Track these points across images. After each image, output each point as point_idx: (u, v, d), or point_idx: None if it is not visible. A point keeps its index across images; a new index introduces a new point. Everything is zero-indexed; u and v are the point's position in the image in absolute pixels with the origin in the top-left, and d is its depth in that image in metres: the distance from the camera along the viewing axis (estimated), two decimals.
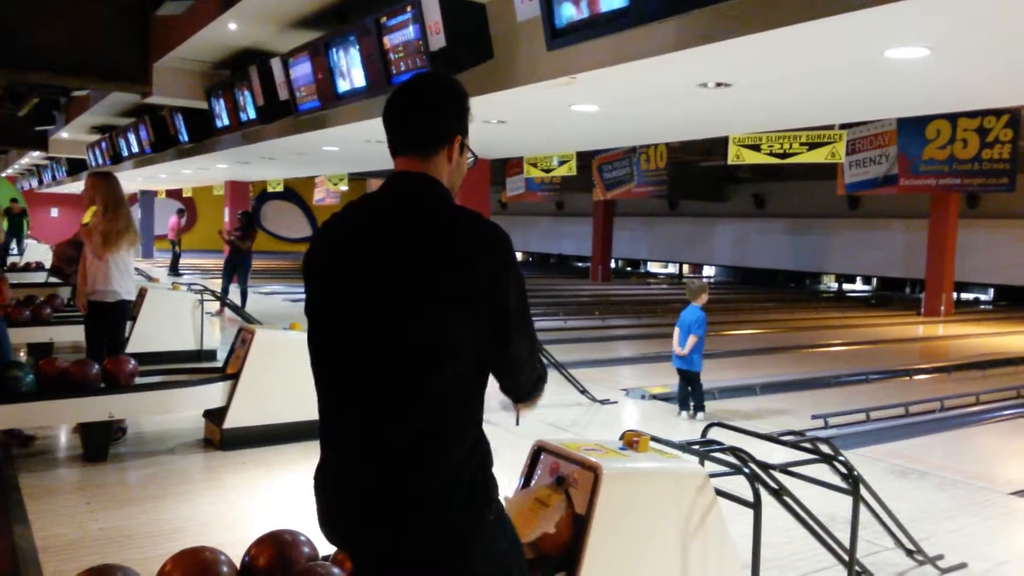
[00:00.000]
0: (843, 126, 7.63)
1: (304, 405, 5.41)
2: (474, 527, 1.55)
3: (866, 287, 22.81)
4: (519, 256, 33.28)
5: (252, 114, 9.07)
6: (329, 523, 1.62)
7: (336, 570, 2.03)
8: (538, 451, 2.88)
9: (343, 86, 7.07)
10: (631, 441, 2.87)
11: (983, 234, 18.01)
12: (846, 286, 23.11)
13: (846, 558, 2.99)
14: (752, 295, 20.12)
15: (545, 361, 7.50)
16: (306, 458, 5.10)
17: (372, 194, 1.70)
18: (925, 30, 3.76)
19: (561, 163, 11.14)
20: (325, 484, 1.63)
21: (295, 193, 31.37)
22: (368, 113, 7.61)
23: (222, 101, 9.83)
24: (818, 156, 6.83)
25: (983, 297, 20.30)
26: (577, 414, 6.58)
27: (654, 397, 7.26)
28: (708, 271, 27.02)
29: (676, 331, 6.40)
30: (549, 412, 6.51)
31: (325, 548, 2.42)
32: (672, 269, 28.20)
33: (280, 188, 19.01)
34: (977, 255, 18.01)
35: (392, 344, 1.53)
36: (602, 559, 2.50)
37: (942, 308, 15.55)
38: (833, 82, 5.02)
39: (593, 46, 4.74)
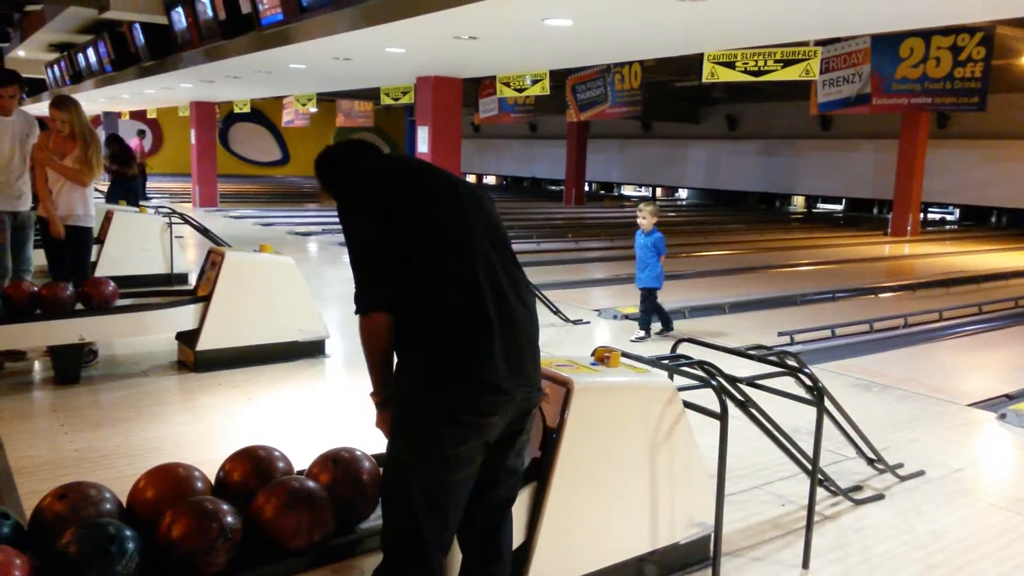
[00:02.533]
0: (818, 43, 7.54)
1: (276, 327, 5.46)
2: None
3: (836, 207, 23.04)
4: (491, 180, 33.06)
5: (214, 28, 8.74)
6: (504, 371, 1.95)
7: (311, 483, 2.06)
8: None
9: None
10: (602, 357, 2.91)
11: (951, 154, 18.16)
12: (815, 207, 23.33)
13: (809, 467, 3.10)
14: (723, 216, 20.23)
15: None
16: (279, 379, 5.13)
17: None
18: None
19: (534, 82, 10.92)
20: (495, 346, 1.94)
21: (263, 115, 30.60)
22: (335, 28, 7.36)
23: (182, 14, 9.45)
24: (792, 73, 6.76)
25: (949, 217, 20.61)
26: (551, 334, 6.64)
27: (626, 317, 7.34)
28: (681, 193, 27.07)
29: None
30: None
31: (300, 463, 2.45)
32: (646, 192, 28.17)
33: (247, 110, 18.49)
34: (945, 176, 18.20)
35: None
36: (572, 471, 2.56)
37: (908, 228, 15.79)
38: None
39: None
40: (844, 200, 22.44)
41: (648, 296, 6.41)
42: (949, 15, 6.00)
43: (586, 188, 25.09)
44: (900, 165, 15.85)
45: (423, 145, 10.57)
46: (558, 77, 13.92)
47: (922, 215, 17.11)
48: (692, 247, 13.31)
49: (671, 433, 2.84)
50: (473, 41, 7.40)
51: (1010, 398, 5.12)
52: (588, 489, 2.62)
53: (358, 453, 2.24)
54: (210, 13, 8.91)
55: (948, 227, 19.30)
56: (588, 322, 7.16)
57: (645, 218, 6.29)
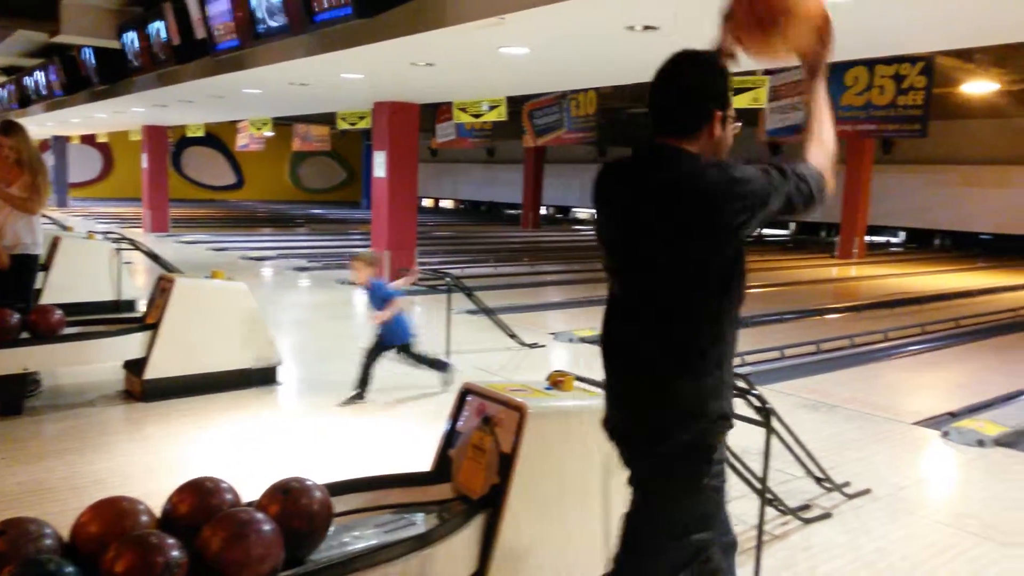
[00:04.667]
0: (767, 72, 7.76)
1: (227, 354, 5.38)
2: None
3: (784, 231, 23.59)
4: (449, 204, 33.14)
5: (167, 54, 8.67)
6: None
7: (259, 514, 2.03)
8: (465, 393, 2.92)
9: (263, 24, 6.82)
10: (556, 381, 2.94)
11: (895, 179, 18.75)
12: (766, 231, 23.82)
13: (759, 486, 3.15)
14: None
15: (474, 308, 7.46)
16: (229, 408, 5.05)
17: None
18: None
19: (491, 108, 11.03)
20: None
21: (217, 139, 30.26)
22: (291, 53, 7.36)
23: (135, 39, 9.35)
24: (741, 101, 6.94)
25: (894, 240, 21.23)
26: (506, 358, 6.66)
27: (582, 340, 7.40)
28: None
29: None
30: (478, 357, 6.58)
31: (250, 494, 2.42)
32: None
33: (201, 134, 18.29)
34: (889, 200, 18.77)
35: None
36: (526, 497, 2.57)
37: (855, 250, 16.23)
38: None
39: None
40: (793, 224, 22.98)
41: (404, 351, 5.40)
42: (891, 46, 6.23)
43: (543, 212, 25.29)
44: (846, 190, 16.32)
45: (380, 170, 10.57)
46: (515, 103, 14.06)
47: (868, 238, 17.62)
48: None
49: None
50: (430, 68, 7.46)
51: (953, 416, 5.27)
52: (542, 514, 2.63)
53: (309, 483, 2.22)
54: (164, 38, 8.84)
55: (893, 249, 19.87)
56: (544, 345, 7.19)
57: (359, 271, 5.35)
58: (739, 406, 3.30)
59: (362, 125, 12.33)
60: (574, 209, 29.26)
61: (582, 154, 25.70)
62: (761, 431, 3.11)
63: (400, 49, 6.51)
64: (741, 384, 3.43)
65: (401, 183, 10.57)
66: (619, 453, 2.05)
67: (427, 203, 33.31)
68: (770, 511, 3.57)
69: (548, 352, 7.00)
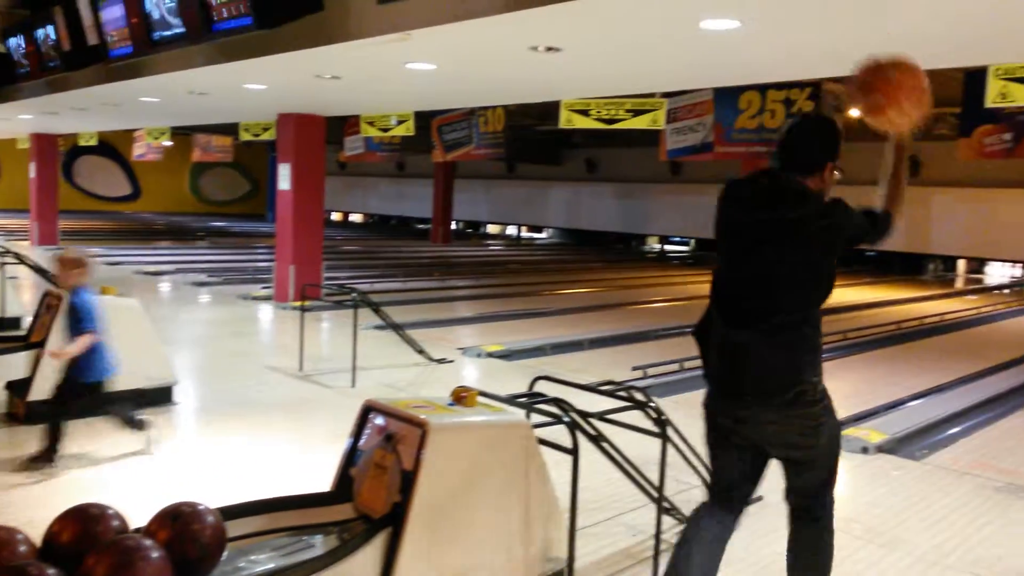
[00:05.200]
0: (665, 95, 8.05)
1: (118, 374, 5.13)
2: None
3: (684, 248, 24.44)
4: (358, 218, 32.74)
5: (57, 59, 8.27)
6: None
7: (147, 541, 1.96)
8: (367, 410, 2.90)
9: (159, 32, 6.60)
10: (459, 396, 2.96)
11: None
12: (667, 247, 24.65)
13: (656, 495, 3.25)
14: (584, 256, 20.95)
15: (382, 323, 7.33)
16: (116, 431, 4.82)
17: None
18: (737, 3, 4.02)
19: (399, 123, 10.99)
20: None
21: (112, 148, 28.95)
22: (190, 62, 7.14)
23: (22, 42, 8.88)
24: (641, 122, 7.18)
25: None
26: (414, 374, 6.63)
27: (490, 355, 7.44)
28: (544, 233, 27.86)
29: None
30: (385, 373, 6.53)
31: (138, 521, 2.33)
32: (511, 231, 28.78)
33: (94, 142, 17.45)
34: None
35: None
36: (429, 514, 2.57)
37: None
38: (653, 50, 5.28)
39: (425, 2, 4.71)
40: (694, 240, 23.85)
41: (94, 392, 4.26)
42: (782, 72, 6.57)
43: (454, 227, 25.33)
44: None
45: (285, 182, 10.36)
46: (424, 117, 14.04)
47: None
48: (554, 285, 13.69)
49: (527, 470, 2.91)
50: (336, 81, 7.39)
51: (841, 424, 5.55)
52: (446, 531, 2.64)
53: (201, 507, 2.16)
54: (53, 42, 8.43)
55: None
56: (452, 361, 7.19)
57: (62, 275, 4.31)
58: (637, 418, 3.41)
59: (266, 136, 12.06)
60: (484, 224, 29.46)
61: (492, 170, 25.92)
62: (659, 441, 3.21)
63: (304, 61, 6.43)
64: (639, 396, 3.54)
65: (307, 196, 10.39)
66: None
67: (336, 217, 32.79)
68: (669, 520, 3.68)
69: (457, 367, 7.01)
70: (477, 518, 2.74)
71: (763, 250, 2.55)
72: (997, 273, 18.75)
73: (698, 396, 6.42)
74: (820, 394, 2.67)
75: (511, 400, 3.11)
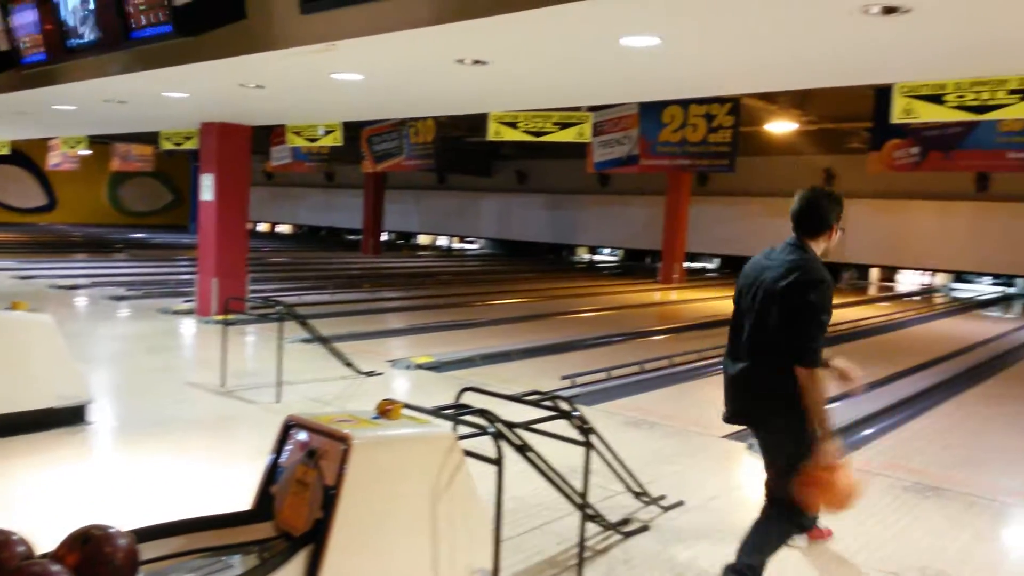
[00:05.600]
0: (592, 109, 8.20)
1: (27, 392, 4.94)
2: None
3: (612, 258, 24.86)
4: (287, 229, 32.17)
5: None
6: None
7: (55, 566, 1.90)
8: (288, 426, 2.86)
9: (74, 39, 6.38)
10: (384, 410, 2.94)
11: (711, 210, 20.29)
12: (596, 257, 25.04)
13: (580, 503, 3.30)
14: (515, 266, 21.08)
15: (309, 336, 7.26)
16: (30, 451, 4.63)
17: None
18: (656, 21, 4.14)
19: (327, 133, 10.86)
20: None
21: (26, 157, 27.70)
22: (107, 70, 6.91)
23: None
24: (568, 135, 7.29)
25: (710, 266, 22.89)
26: (341, 387, 6.56)
27: (419, 367, 7.41)
28: (475, 243, 27.93)
29: None
30: (311, 387, 6.43)
31: (47, 546, 2.24)
32: (442, 241, 28.74)
33: (6, 151, 16.69)
34: (706, 229, 20.25)
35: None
36: (351, 530, 2.55)
37: (675, 276, 17.39)
38: (576, 65, 5.37)
39: (350, 13, 4.68)
40: (622, 250, 24.29)
41: None
42: (702, 88, 6.77)
43: (385, 238, 25.15)
44: (667, 219, 17.49)
45: (207, 193, 10.12)
46: (353, 128, 13.95)
47: (687, 264, 18.92)
48: (485, 295, 13.72)
49: (452, 483, 2.92)
50: (260, 90, 7.26)
51: None
52: (369, 546, 2.62)
53: (112, 530, 2.09)
54: None
55: (710, 275, 21.40)
56: (381, 373, 7.14)
57: None
58: (564, 427, 3.47)
59: (188, 146, 11.75)
60: (415, 235, 29.33)
61: (423, 180, 25.86)
62: (584, 450, 3.26)
63: (227, 70, 6.30)
64: (564, 406, 3.60)
65: (230, 207, 10.16)
66: None
67: (263, 228, 32.13)
68: (594, 527, 3.74)
69: (386, 380, 6.96)
70: (401, 533, 2.73)
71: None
72: (908, 280, 19.68)
73: (626, 403, 6.57)
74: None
75: (436, 412, 3.12)
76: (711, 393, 7.19)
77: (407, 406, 3.02)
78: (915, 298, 17.11)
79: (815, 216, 3.13)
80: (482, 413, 3.21)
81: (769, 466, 3.33)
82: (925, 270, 19.17)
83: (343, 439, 2.61)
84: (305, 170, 19.26)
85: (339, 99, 7.79)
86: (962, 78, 4.79)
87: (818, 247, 3.16)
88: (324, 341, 7.10)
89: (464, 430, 3.06)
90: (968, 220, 17.23)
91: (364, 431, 2.70)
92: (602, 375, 7.24)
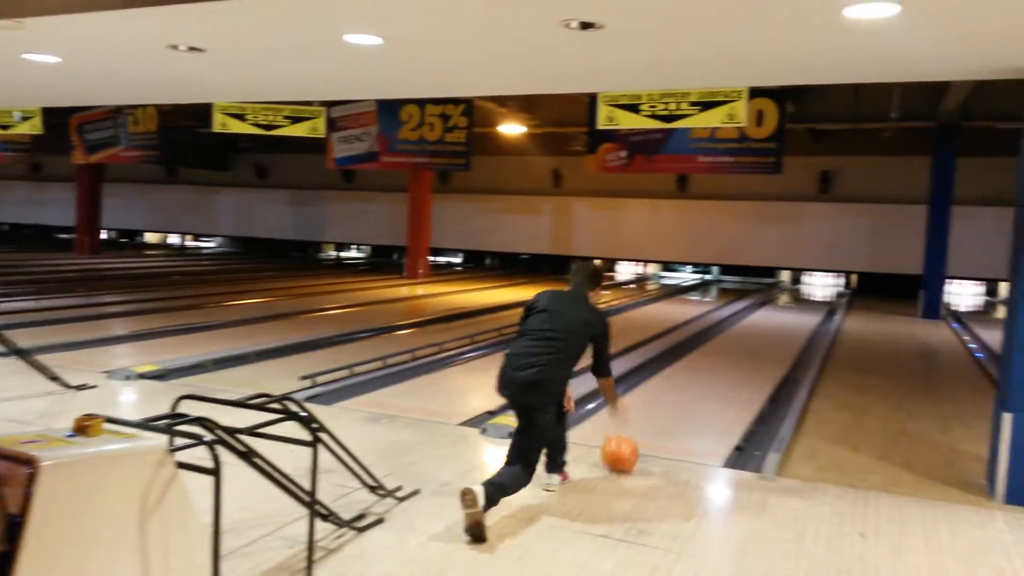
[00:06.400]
0: (328, 104, 8.08)
1: None
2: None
3: (359, 255, 24.75)
4: None
5: None
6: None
7: None
8: None
9: None
10: (81, 426, 2.70)
11: (453, 206, 20.94)
12: (344, 254, 24.77)
13: (309, 501, 3.27)
14: (256, 265, 20.18)
15: (2, 350, 6.39)
16: None
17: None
18: (376, 20, 4.19)
19: (24, 119, 9.65)
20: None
21: None
22: None
23: None
24: (301, 130, 7.13)
25: (454, 260, 23.62)
26: (46, 404, 5.88)
27: (141, 376, 6.86)
28: (212, 241, 26.32)
29: None
30: (10, 406, 5.71)
31: None
32: (174, 239, 26.73)
33: None
34: (449, 224, 20.86)
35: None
36: (43, 562, 2.31)
37: (420, 271, 17.72)
38: (300, 59, 5.28)
39: None
40: (368, 247, 24.24)
41: None
42: (430, 87, 6.95)
43: (104, 236, 22.84)
44: (411, 216, 17.77)
45: None
46: (60, 115, 12.49)
47: (432, 259, 19.36)
48: (222, 296, 13.00)
49: (164, 499, 2.75)
50: None
51: (492, 413, 6.03)
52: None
53: None
54: None
55: (455, 269, 22.07)
56: (95, 386, 6.50)
57: None
58: (291, 429, 3.41)
59: None
60: (141, 233, 26.98)
61: (149, 174, 23.86)
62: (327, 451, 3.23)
63: None
64: (292, 407, 3.54)
65: None
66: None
67: None
68: (328, 527, 3.73)
69: (100, 393, 6.34)
70: (106, 559, 2.53)
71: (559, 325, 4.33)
72: (624, 271, 21.78)
73: (368, 399, 6.59)
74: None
75: (145, 424, 2.92)
76: (450, 383, 7.45)
77: (109, 420, 2.79)
78: (631, 286, 18.93)
79: (594, 280, 4.52)
80: (200, 421, 3.06)
81: (539, 439, 4.23)
82: (638, 261, 21.35)
83: (29, 462, 2.36)
84: (4, 161, 16.91)
85: (35, 83, 6.97)
86: (654, 90, 5.40)
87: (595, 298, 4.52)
88: (21, 354, 6.31)
89: (181, 441, 2.90)
90: (672, 216, 19.45)
91: (54, 451, 2.46)
92: (344, 372, 7.19)
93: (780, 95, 9.83)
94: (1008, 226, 5.08)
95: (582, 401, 6.51)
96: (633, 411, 6.35)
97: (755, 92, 9.53)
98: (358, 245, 24.50)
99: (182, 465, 2.87)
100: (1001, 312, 15.42)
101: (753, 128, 9.76)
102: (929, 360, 10.01)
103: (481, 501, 3.73)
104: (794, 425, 6.04)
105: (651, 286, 18.95)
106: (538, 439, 4.21)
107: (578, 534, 3.89)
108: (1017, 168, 4.74)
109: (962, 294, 18.48)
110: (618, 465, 4.84)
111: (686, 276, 21.34)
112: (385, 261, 22.67)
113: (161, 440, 2.88)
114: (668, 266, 21.58)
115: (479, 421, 5.83)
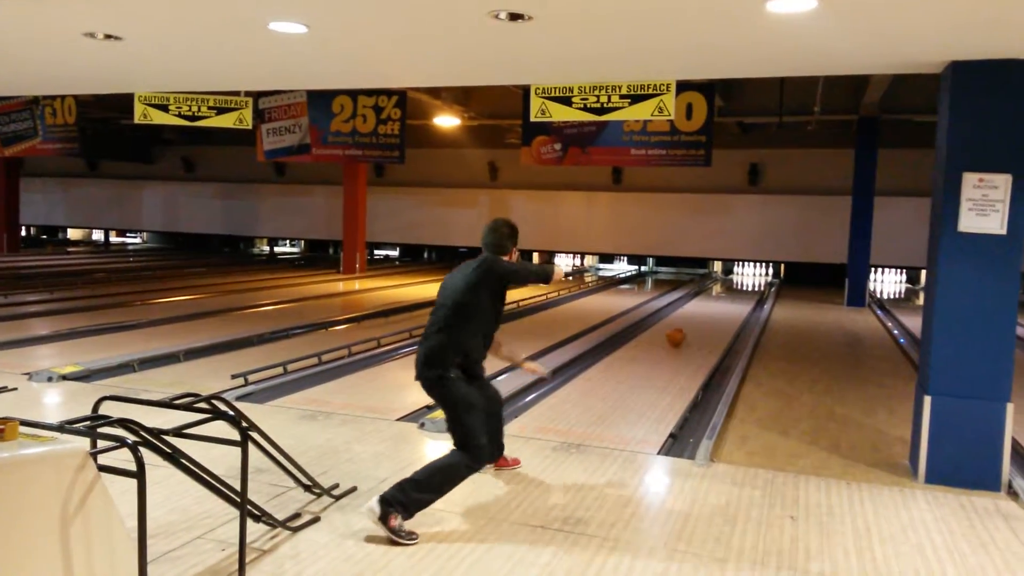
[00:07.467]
0: (255, 94, 7.86)
1: None
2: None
3: (295, 250, 24.28)
4: None
5: None
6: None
7: None
8: None
9: None
10: None
11: (389, 199, 20.71)
12: (277, 248, 24.26)
13: (239, 501, 3.19)
14: (185, 261, 19.61)
15: None
16: None
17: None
18: (301, 7, 4.08)
19: None
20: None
21: None
22: None
23: None
24: (226, 121, 6.93)
25: (392, 254, 23.39)
26: None
27: (64, 378, 6.59)
28: (138, 237, 25.49)
29: None
30: None
31: None
32: (98, 235, 25.77)
33: None
34: (385, 218, 20.64)
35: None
36: None
37: (357, 266, 17.49)
38: (223, 46, 5.12)
39: None
40: (303, 241, 23.79)
41: None
42: (359, 77, 6.82)
43: (24, 233, 21.87)
44: (346, 209, 17.51)
45: None
46: None
47: (370, 253, 19.11)
48: (150, 294, 12.59)
49: (85, 504, 2.64)
50: None
51: (430, 408, 5.97)
52: None
53: None
54: None
55: (392, 264, 21.86)
56: (15, 388, 6.23)
57: None
58: (220, 429, 3.32)
59: None
60: (63, 229, 25.91)
61: (69, 167, 22.93)
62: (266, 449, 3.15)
63: None
64: (221, 407, 3.44)
65: None
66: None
67: None
68: (263, 528, 3.65)
69: (19, 396, 6.07)
70: (22, 566, 2.42)
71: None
72: (562, 263, 21.90)
73: (303, 396, 6.46)
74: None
75: (63, 427, 2.80)
76: (388, 378, 7.37)
77: (24, 423, 2.67)
78: (569, 279, 19.07)
79: (495, 236, 4.23)
80: (122, 423, 2.95)
81: (464, 411, 4.01)
82: (575, 253, 21.50)
83: None
84: None
85: None
86: (584, 82, 5.42)
87: None
88: None
89: (105, 443, 2.79)
90: (608, 209, 19.66)
91: None
92: (279, 370, 7.05)
93: (709, 89, 10.01)
94: (927, 215, 5.28)
95: (514, 397, 6.54)
96: (570, 402, 6.41)
97: (684, 86, 9.70)
98: (292, 240, 24.04)
99: (105, 469, 2.77)
100: (922, 299, 16.14)
101: (683, 121, 9.92)
102: (855, 346, 10.37)
103: (377, 511, 3.63)
104: (726, 412, 6.18)
105: (589, 278, 19.12)
106: (464, 411, 3.92)
107: (516, 526, 3.90)
108: (935, 159, 4.94)
109: (885, 282, 19.23)
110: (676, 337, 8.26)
111: (622, 268, 21.60)
112: (321, 256, 22.30)
113: (82, 443, 2.77)
114: (604, 258, 21.82)
115: (417, 416, 5.79)
